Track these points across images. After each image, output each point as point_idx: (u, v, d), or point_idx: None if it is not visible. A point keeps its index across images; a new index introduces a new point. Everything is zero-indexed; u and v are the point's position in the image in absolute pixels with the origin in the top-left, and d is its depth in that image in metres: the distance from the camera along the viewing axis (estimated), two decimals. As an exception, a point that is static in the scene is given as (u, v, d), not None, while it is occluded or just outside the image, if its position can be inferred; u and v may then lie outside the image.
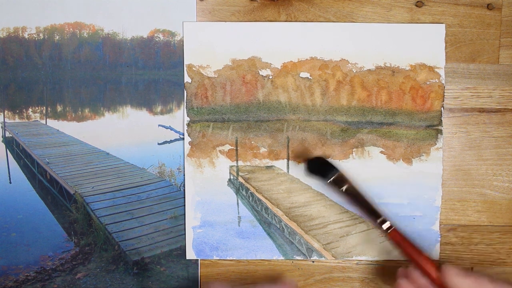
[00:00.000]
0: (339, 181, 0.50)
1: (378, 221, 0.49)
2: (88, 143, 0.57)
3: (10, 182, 0.57)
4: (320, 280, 0.57)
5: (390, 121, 0.55)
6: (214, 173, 0.56)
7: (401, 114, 0.55)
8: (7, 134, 0.57)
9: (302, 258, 0.56)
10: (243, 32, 0.55)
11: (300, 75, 0.55)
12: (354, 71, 0.55)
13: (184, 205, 0.56)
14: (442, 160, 0.56)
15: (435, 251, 0.56)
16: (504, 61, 0.55)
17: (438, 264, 0.45)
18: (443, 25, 0.55)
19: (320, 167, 0.51)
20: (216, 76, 0.55)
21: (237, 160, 0.56)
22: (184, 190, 0.56)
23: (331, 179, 0.50)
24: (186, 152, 0.56)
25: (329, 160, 0.54)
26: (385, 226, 0.48)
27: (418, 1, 0.55)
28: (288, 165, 0.56)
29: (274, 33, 0.55)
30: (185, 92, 0.55)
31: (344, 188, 0.50)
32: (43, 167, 0.58)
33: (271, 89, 0.55)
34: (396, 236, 0.48)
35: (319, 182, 0.53)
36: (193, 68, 0.55)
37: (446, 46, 0.55)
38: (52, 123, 0.57)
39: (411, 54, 0.55)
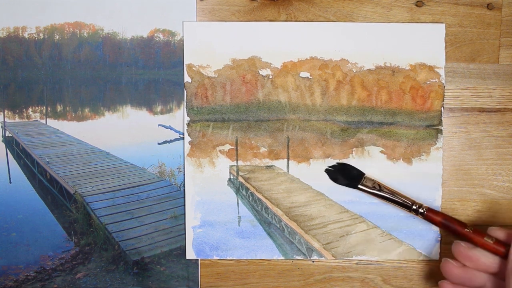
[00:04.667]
0: (368, 182, 0.54)
1: (413, 208, 0.51)
2: (88, 143, 0.57)
3: (10, 182, 0.57)
4: (320, 280, 0.57)
5: (390, 121, 0.55)
6: (214, 173, 0.56)
7: (401, 114, 0.55)
8: (7, 134, 0.57)
9: (302, 258, 0.56)
10: (243, 32, 0.55)
11: (300, 75, 0.55)
12: (354, 71, 0.55)
13: (184, 205, 0.56)
14: (442, 160, 0.56)
15: (435, 251, 0.56)
16: (504, 61, 0.55)
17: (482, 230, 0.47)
18: (443, 24, 0.55)
19: (344, 174, 0.55)
20: (216, 75, 0.55)
21: (237, 160, 0.56)
22: (184, 190, 0.56)
23: (361, 183, 0.54)
24: (186, 151, 0.56)
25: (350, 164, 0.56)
26: (420, 210, 0.51)
27: (418, 1, 0.55)
28: (288, 165, 0.56)
29: (274, 33, 0.55)
30: (185, 91, 0.55)
31: (372, 187, 0.53)
32: (43, 167, 0.58)
33: (271, 88, 0.55)
34: (433, 217, 0.50)
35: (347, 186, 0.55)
36: (193, 68, 0.55)
37: (446, 45, 0.55)
38: (52, 122, 0.57)
39: (411, 54, 0.55)
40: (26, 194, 0.57)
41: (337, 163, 0.55)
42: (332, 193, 0.56)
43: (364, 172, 0.55)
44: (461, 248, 0.46)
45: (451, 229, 0.49)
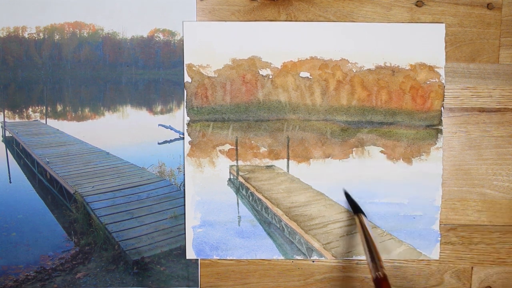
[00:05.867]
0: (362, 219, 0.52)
1: (372, 266, 0.45)
2: (88, 142, 0.57)
3: (10, 182, 0.57)
4: (320, 280, 0.57)
5: (390, 121, 0.55)
6: (214, 173, 0.56)
7: (401, 114, 0.55)
8: (7, 134, 0.57)
9: (302, 258, 0.56)
10: (243, 32, 0.55)
11: (300, 75, 0.55)
12: (354, 71, 0.55)
13: (184, 205, 0.56)
14: (442, 159, 0.56)
15: (435, 251, 0.56)
16: (504, 61, 0.55)
17: None
18: (443, 24, 0.55)
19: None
20: (216, 75, 0.55)
21: (237, 160, 0.56)
22: (184, 189, 0.56)
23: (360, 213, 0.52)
24: (186, 151, 0.56)
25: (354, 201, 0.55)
26: (375, 275, 0.44)
27: (418, 1, 0.55)
28: (288, 164, 0.56)
29: (274, 33, 0.55)
30: (185, 91, 0.55)
31: (362, 226, 0.50)
32: (43, 167, 0.58)
33: (271, 88, 0.55)
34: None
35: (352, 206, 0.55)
36: (193, 68, 0.55)
37: (446, 45, 0.55)
38: (52, 122, 0.57)
39: (411, 54, 0.55)
40: (26, 194, 0.57)
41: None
42: (332, 193, 0.56)
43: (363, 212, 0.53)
44: None
45: None
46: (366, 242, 0.48)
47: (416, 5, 0.55)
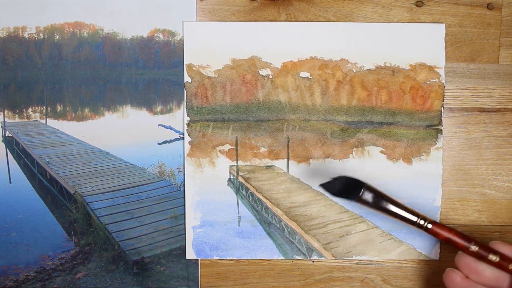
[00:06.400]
0: (367, 194, 0.45)
1: (416, 222, 0.45)
2: (88, 142, 0.57)
3: (10, 182, 0.57)
4: (320, 280, 0.57)
5: (390, 121, 0.55)
6: (214, 173, 0.56)
7: (401, 114, 0.55)
8: (7, 134, 0.57)
9: (302, 258, 0.56)
10: (243, 32, 0.55)
11: (300, 75, 0.55)
12: (354, 71, 0.55)
13: (184, 205, 0.56)
14: (442, 160, 0.56)
15: (435, 251, 0.56)
16: (504, 61, 0.55)
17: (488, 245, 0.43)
18: (443, 24, 0.55)
19: (344, 187, 0.46)
20: (216, 75, 0.55)
21: (237, 160, 0.56)
22: (184, 190, 0.56)
23: (360, 196, 0.45)
24: (186, 151, 0.56)
25: (350, 176, 0.47)
26: (423, 224, 0.44)
27: (418, 1, 0.55)
28: (288, 164, 0.56)
29: (274, 33, 0.55)
30: (185, 91, 0.55)
31: (374, 200, 0.45)
32: (43, 167, 0.58)
33: (271, 88, 0.55)
34: (438, 231, 0.44)
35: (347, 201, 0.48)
36: (193, 68, 0.55)
37: (446, 45, 0.55)
38: (52, 122, 0.57)
39: (411, 54, 0.55)
40: (26, 194, 0.57)
41: (332, 178, 0.47)
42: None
43: (363, 182, 0.46)
44: (467, 260, 0.44)
45: (456, 245, 0.44)
46: (389, 212, 0.45)
47: (416, 5, 0.55)
